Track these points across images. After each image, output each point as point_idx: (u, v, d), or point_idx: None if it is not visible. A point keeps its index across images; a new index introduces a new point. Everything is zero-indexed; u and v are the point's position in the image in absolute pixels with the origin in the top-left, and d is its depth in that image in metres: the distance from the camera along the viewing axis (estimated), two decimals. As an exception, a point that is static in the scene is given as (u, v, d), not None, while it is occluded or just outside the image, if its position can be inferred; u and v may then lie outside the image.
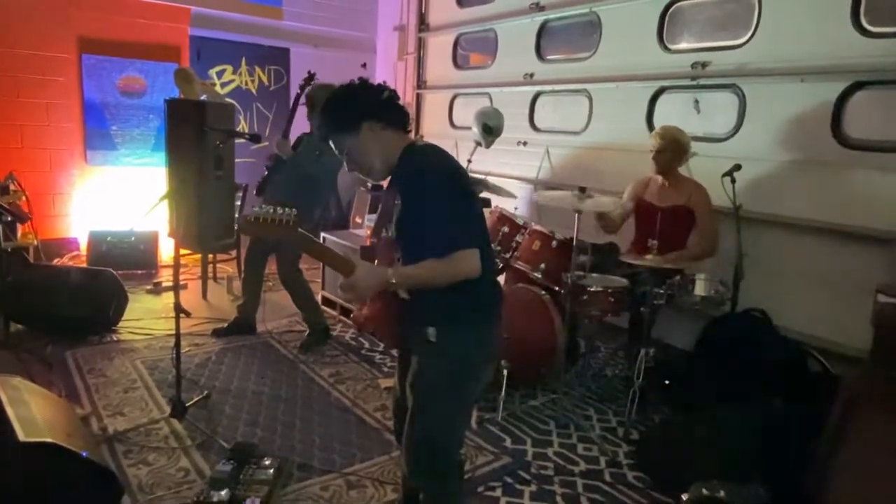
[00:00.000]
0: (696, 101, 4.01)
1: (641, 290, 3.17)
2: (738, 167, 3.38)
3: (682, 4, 4.13)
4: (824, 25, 3.36)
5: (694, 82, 4.00)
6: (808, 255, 3.45)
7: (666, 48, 4.19)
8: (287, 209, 1.58)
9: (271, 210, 1.58)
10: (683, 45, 4.14)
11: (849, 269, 3.27)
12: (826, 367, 3.13)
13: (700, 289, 3.09)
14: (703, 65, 3.93)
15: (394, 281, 1.67)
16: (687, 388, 3.25)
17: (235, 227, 4.49)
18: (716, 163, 3.57)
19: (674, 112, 4.13)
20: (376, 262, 1.85)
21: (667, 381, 3.30)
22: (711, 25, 4.07)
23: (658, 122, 4.16)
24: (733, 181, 3.35)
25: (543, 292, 3.49)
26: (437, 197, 1.68)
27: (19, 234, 4.65)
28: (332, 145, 1.81)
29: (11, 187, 4.60)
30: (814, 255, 3.43)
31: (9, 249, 3.42)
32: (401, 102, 1.83)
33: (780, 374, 3.04)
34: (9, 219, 3.35)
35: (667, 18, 4.19)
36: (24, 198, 4.65)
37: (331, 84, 3.64)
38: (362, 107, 1.75)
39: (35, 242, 4.82)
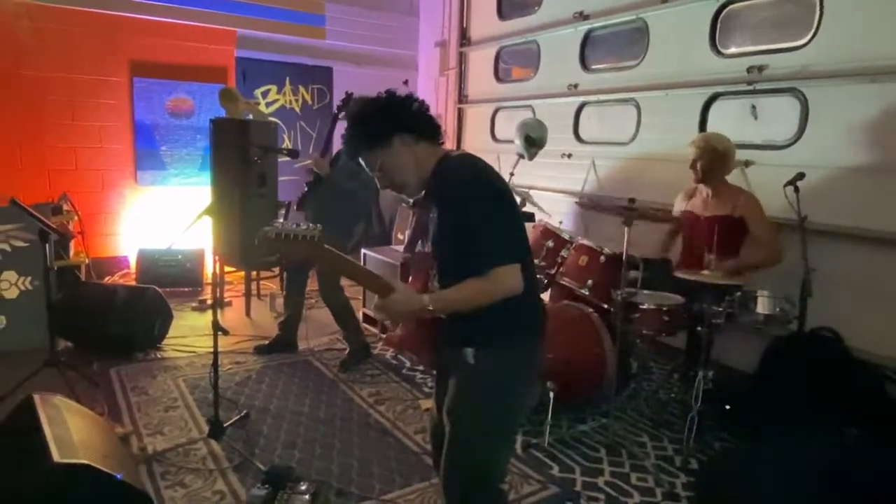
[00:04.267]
0: (753, 107, 3.79)
1: (698, 307, 2.97)
2: (801, 176, 3.15)
3: (736, 6, 3.93)
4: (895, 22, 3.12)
5: (750, 87, 3.78)
6: (883, 269, 3.18)
7: (719, 52, 3.99)
8: (311, 224, 1.47)
9: (293, 225, 1.47)
10: (738, 49, 3.93)
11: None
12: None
13: (763, 306, 2.87)
14: (760, 69, 3.72)
15: (431, 308, 1.56)
16: (750, 414, 3.01)
17: (256, 244, 4.46)
18: (777, 171, 3.35)
19: (729, 119, 3.92)
20: (410, 277, 1.74)
21: (728, 407, 3.07)
22: (768, 27, 3.86)
23: (712, 129, 3.95)
24: (797, 190, 3.13)
25: (591, 310, 3.32)
26: (474, 209, 1.56)
27: (71, 252, 4.77)
28: (364, 163, 1.69)
29: (65, 207, 4.73)
30: (890, 269, 3.15)
31: (55, 268, 3.46)
32: (431, 113, 1.72)
33: (855, 400, 2.78)
34: (56, 238, 3.40)
35: (719, 22, 3.99)
36: (76, 218, 4.78)
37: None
38: (392, 120, 1.65)
39: (87, 261, 4.94)
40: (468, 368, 1.64)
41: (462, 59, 6.52)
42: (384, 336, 4.20)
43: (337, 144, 3.94)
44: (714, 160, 3.22)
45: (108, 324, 3.87)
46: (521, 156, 4.33)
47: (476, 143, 6.25)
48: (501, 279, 1.53)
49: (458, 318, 1.62)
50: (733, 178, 3.44)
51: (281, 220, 1.55)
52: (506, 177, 4.26)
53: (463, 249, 1.56)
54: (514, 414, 1.71)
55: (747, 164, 3.71)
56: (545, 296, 3.85)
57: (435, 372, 1.95)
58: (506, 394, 1.66)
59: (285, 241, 1.47)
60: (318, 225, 1.48)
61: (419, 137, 1.66)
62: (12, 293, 3.89)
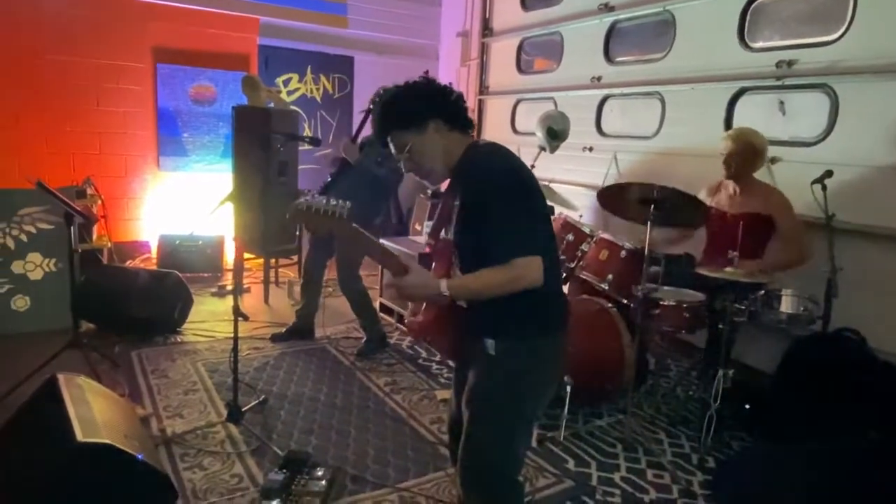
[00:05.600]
0: (782, 103, 3.72)
1: (720, 305, 2.93)
2: (829, 173, 3.09)
3: (766, -1, 3.86)
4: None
5: (779, 82, 3.71)
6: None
7: (747, 46, 3.92)
8: (342, 201, 1.49)
9: (324, 200, 1.49)
10: (767, 43, 3.85)
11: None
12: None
13: (787, 305, 2.83)
14: (790, 63, 3.64)
15: (447, 293, 1.55)
16: (770, 414, 2.97)
17: (287, 216, 4.48)
18: (804, 169, 3.29)
19: (755, 114, 3.85)
20: (433, 264, 1.73)
21: (747, 406, 3.03)
22: (799, 21, 3.77)
23: (738, 124, 3.88)
24: (824, 188, 3.07)
25: (610, 305, 3.29)
26: (498, 198, 1.55)
27: (94, 236, 4.84)
28: (392, 143, 1.69)
29: (88, 191, 4.79)
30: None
31: (79, 250, 3.51)
32: (466, 104, 1.73)
33: (876, 402, 2.73)
34: (82, 221, 3.45)
35: (748, 15, 3.92)
36: (99, 202, 4.84)
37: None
38: (432, 104, 1.65)
39: (109, 245, 5.01)
40: (488, 359, 1.63)
41: (484, 50, 6.47)
42: (405, 323, 4.20)
43: (365, 132, 3.97)
44: (749, 155, 3.16)
45: (130, 307, 3.92)
46: (543, 148, 4.29)
47: (496, 134, 6.21)
48: (521, 270, 1.52)
49: (480, 307, 1.61)
50: (761, 175, 3.37)
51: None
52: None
53: (484, 238, 1.55)
54: (532, 407, 1.70)
55: (773, 160, 3.64)
56: (564, 289, 3.82)
57: (453, 363, 1.95)
58: (525, 386, 1.64)
59: (315, 214, 1.50)
60: (348, 202, 1.51)
61: (453, 127, 1.67)
62: (37, 275, 3.96)
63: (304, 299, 4.15)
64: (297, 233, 5.03)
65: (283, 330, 4.17)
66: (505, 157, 1.65)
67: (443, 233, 1.75)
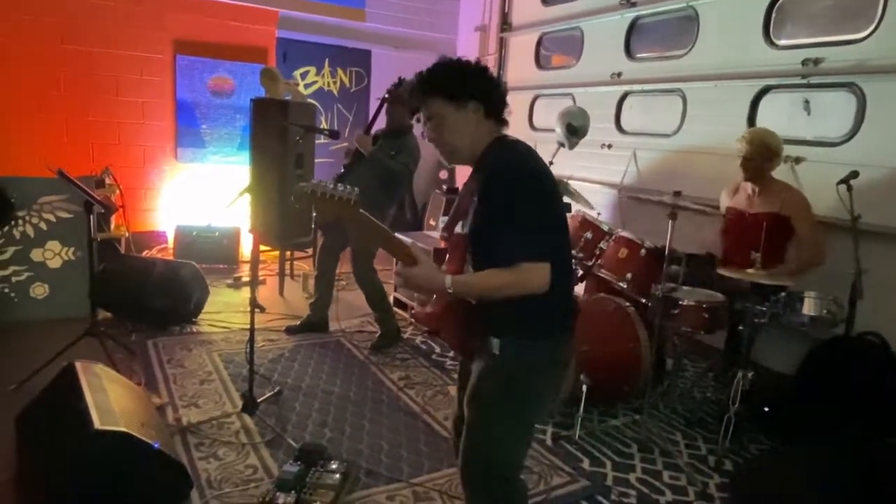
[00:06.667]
0: (807, 102, 3.65)
1: (741, 306, 2.88)
2: (855, 174, 3.03)
3: (793, -4, 3.79)
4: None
5: (804, 81, 3.64)
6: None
7: (772, 44, 3.85)
8: (349, 187, 1.47)
9: (331, 185, 1.47)
10: (793, 41, 3.78)
11: None
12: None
13: (810, 308, 2.77)
14: (816, 61, 3.57)
15: (451, 290, 1.53)
16: (789, 417, 2.93)
17: (292, 199, 4.41)
18: (829, 169, 3.24)
19: (779, 113, 3.79)
20: (447, 257, 1.71)
21: (766, 408, 2.99)
22: (826, 18, 3.70)
23: (762, 123, 3.82)
24: (849, 189, 3.01)
25: (628, 304, 3.26)
26: (515, 198, 1.52)
27: (112, 225, 4.87)
28: (426, 108, 1.65)
29: (107, 181, 4.83)
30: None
31: (98, 239, 3.53)
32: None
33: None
34: (101, 210, 3.47)
35: (774, 11, 3.84)
36: (118, 191, 4.88)
37: None
38: (480, 87, 1.64)
39: (126, 234, 5.04)
40: (493, 358, 1.61)
41: (502, 45, 6.43)
42: (413, 314, 4.19)
43: (378, 124, 3.96)
44: (766, 156, 3.12)
45: (147, 296, 3.94)
46: (562, 144, 4.25)
47: (513, 130, 6.05)
48: (526, 275, 1.49)
49: (489, 306, 1.58)
50: (784, 174, 3.32)
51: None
52: (544, 165, 4.21)
53: (496, 237, 1.52)
54: (534, 409, 1.68)
55: (798, 160, 3.58)
56: (580, 287, 3.79)
57: (459, 357, 1.92)
58: (528, 387, 1.62)
59: (321, 198, 1.48)
60: (356, 188, 1.49)
61: (489, 116, 1.65)
62: (56, 263, 3.99)
63: (317, 292, 4.15)
64: (313, 226, 5.04)
65: (298, 322, 4.17)
66: (529, 157, 1.63)
67: (459, 227, 1.72)
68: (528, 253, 1.49)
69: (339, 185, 1.48)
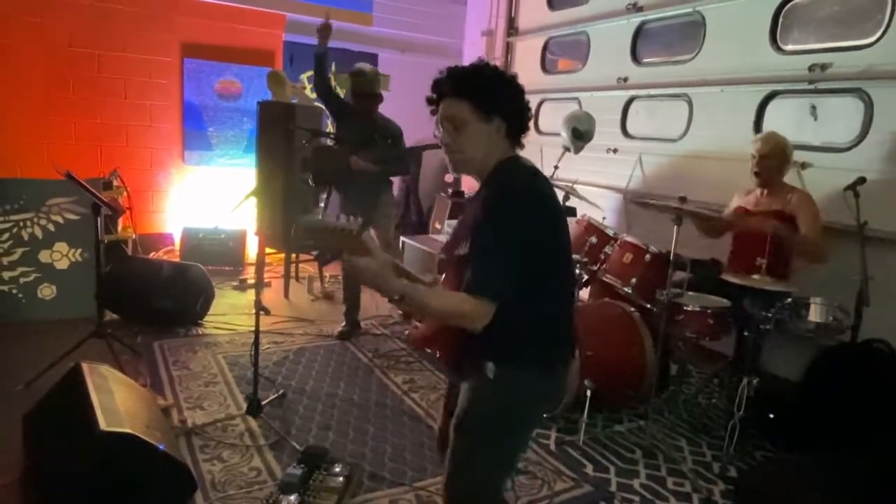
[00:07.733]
0: (813, 107, 3.64)
1: (746, 312, 2.87)
2: (862, 180, 3.02)
3: (800, 1, 3.77)
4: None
5: (811, 86, 3.63)
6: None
7: (779, 49, 3.84)
8: (352, 218, 1.40)
9: (334, 219, 1.42)
10: (800, 46, 3.77)
11: None
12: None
13: (816, 314, 2.75)
14: (823, 67, 3.56)
15: (396, 298, 1.42)
16: (795, 424, 2.91)
17: (292, 233, 4.51)
18: (835, 175, 3.22)
19: (786, 118, 3.77)
20: (443, 276, 1.64)
21: (771, 415, 2.97)
22: (833, 23, 3.68)
23: (768, 128, 3.80)
24: (856, 195, 3.00)
25: (633, 309, 3.25)
26: (502, 220, 1.45)
27: (120, 227, 4.90)
28: (447, 106, 1.54)
29: (115, 183, 4.85)
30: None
31: (104, 241, 3.56)
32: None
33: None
34: (109, 212, 3.49)
35: (781, 16, 3.83)
36: (125, 193, 4.91)
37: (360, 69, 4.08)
38: (512, 105, 1.56)
39: (133, 236, 5.07)
40: (485, 382, 1.54)
41: (508, 49, 6.43)
42: (406, 334, 4.21)
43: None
44: (781, 158, 3.13)
45: (153, 298, 3.96)
46: (567, 149, 4.25)
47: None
48: (480, 311, 1.42)
49: (487, 329, 1.47)
50: (791, 180, 3.32)
51: (322, 205, 1.51)
52: (550, 170, 4.21)
53: (473, 257, 1.45)
54: (521, 436, 1.66)
55: (804, 165, 3.57)
56: (584, 293, 3.78)
57: (450, 378, 1.84)
58: (517, 416, 1.59)
59: (322, 232, 1.45)
60: (360, 219, 1.43)
61: (509, 134, 1.58)
62: (63, 264, 4.02)
63: (346, 303, 4.24)
64: (316, 259, 5.12)
65: (345, 328, 4.23)
66: (533, 184, 1.54)
67: (459, 247, 1.56)
68: (492, 287, 1.42)
69: (341, 216, 1.42)
